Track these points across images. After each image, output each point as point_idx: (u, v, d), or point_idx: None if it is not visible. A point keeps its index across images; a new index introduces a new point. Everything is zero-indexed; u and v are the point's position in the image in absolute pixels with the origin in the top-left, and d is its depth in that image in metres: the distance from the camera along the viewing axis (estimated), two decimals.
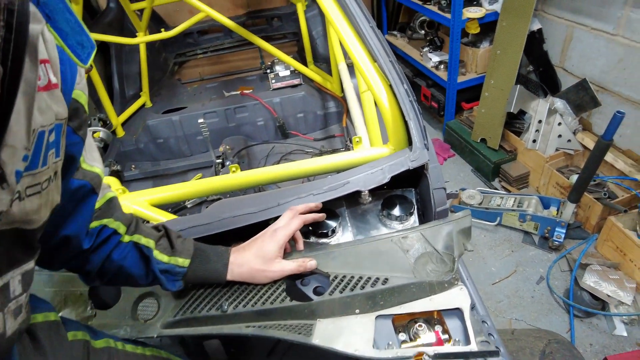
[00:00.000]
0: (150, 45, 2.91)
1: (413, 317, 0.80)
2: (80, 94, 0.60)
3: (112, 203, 0.78)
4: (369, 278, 0.80)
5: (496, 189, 2.62)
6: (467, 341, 0.73)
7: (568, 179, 2.25)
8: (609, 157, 2.23)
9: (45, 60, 0.49)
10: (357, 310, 0.78)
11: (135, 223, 0.80)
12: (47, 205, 0.53)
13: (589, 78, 2.33)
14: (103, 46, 2.77)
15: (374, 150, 1.18)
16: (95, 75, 2.39)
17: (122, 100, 2.80)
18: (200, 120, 2.05)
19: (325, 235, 0.95)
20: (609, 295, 1.83)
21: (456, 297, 0.80)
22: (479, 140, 2.74)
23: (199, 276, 0.80)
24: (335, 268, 0.84)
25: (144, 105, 2.78)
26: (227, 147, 2.43)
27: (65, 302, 0.92)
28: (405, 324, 0.80)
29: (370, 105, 1.38)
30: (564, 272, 2.07)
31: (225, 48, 3.39)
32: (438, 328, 0.78)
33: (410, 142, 1.10)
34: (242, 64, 3.60)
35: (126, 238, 0.77)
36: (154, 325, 0.84)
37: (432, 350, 0.71)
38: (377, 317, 0.78)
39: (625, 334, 1.80)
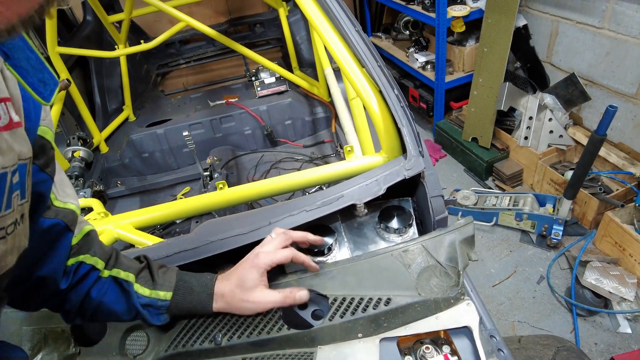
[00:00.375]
0: (131, 58, 2.84)
1: (419, 338, 0.75)
2: (46, 131, 0.58)
3: (90, 237, 0.74)
4: (371, 299, 0.75)
5: (490, 188, 2.59)
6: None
7: (563, 175, 2.23)
8: (602, 151, 2.21)
9: (5, 99, 0.47)
10: (360, 335, 0.73)
11: (115, 256, 0.76)
12: (12, 251, 0.50)
13: (577, 72, 2.32)
14: (82, 61, 2.69)
15: (366, 159, 1.13)
16: (75, 91, 2.31)
17: (105, 115, 2.72)
18: (185, 133, 1.98)
19: (322, 254, 0.90)
20: (610, 292, 1.80)
21: (463, 314, 0.75)
22: (470, 140, 2.71)
23: (183, 308, 0.75)
24: (334, 289, 0.79)
25: (127, 119, 2.71)
26: (215, 158, 2.37)
27: (46, 340, 0.86)
28: (411, 346, 0.75)
29: (360, 112, 1.33)
30: (564, 270, 2.04)
31: (208, 57, 3.32)
32: (446, 349, 0.73)
33: (404, 150, 1.05)
34: (227, 72, 3.55)
35: (105, 273, 0.74)
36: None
37: None
38: (381, 340, 0.73)
39: (629, 331, 1.78)
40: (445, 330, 0.74)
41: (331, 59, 2.18)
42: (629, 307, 1.79)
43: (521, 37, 2.51)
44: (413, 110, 2.93)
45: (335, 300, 0.76)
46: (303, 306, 0.77)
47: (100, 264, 0.73)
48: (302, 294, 0.74)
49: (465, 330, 0.74)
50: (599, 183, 2.16)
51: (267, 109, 2.52)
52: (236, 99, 2.67)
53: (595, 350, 1.75)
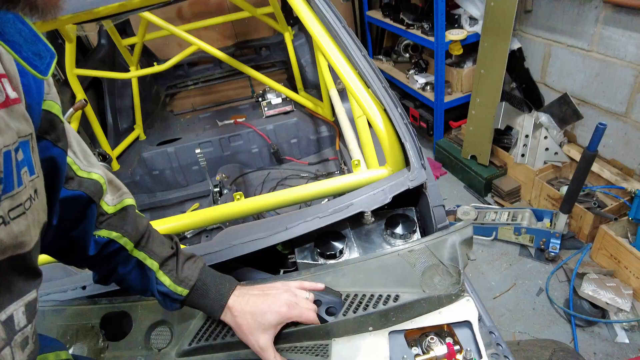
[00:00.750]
0: (142, 79, 2.96)
1: (424, 332, 0.82)
2: (52, 104, 0.57)
3: (127, 212, 0.77)
4: (380, 296, 0.83)
5: (489, 204, 2.67)
6: (478, 351, 0.76)
7: (558, 190, 2.31)
8: (595, 167, 2.31)
9: (2, 76, 0.46)
10: (371, 328, 0.80)
11: (147, 237, 0.79)
12: (34, 225, 0.51)
13: (570, 92, 2.43)
14: (96, 82, 2.81)
15: (373, 172, 1.21)
16: (90, 111, 2.43)
17: (116, 134, 2.83)
18: (198, 151, 2.08)
19: (333, 257, 0.98)
20: (607, 303, 1.86)
21: (464, 309, 0.83)
22: (469, 157, 2.81)
23: (195, 306, 0.81)
24: (346, 286, 0.86)
25: (138, 137, 2.81)
26: (224, 175, 2.46)
27: (77, 336, 0.93)
28: (417, 338, 0.82)
29: (365, 129, 1.43)
30: (562, 283, 2.10)
31: (215, 78, 3.45)
32: (449, 340, 0.80)
33: (407, 163, 1.14)
34: (233, 93, 3.67)
35: (134, 253, 0.77)
36: (168, 354, 0.84)
37: None
38: (390, 332, 0.80)
39: (627, 340, 1.83)
40: (448, 324, 0.82)
41: (335, 81, 2.30)
42: (626, 317, 1.85)
43: (516, 59, 2.64)
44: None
45: (348, 296, 0.83)
46: (318, 303, 0.84)
47: (129, 245, 0.76)
48: None
49: (467, 324, 0.82)
50: (594, 198, 2.25)
51: (274, 128, 2.63)
52: (243, 118, 2.78)
53: (594, 359, 1.79)
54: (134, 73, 2.67)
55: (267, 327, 0.76)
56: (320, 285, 0.85)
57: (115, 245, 0.75)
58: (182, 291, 0.77)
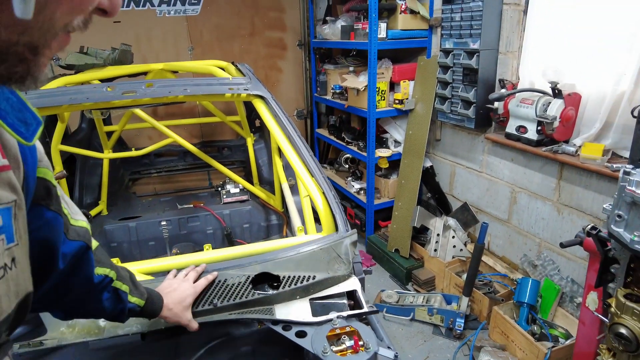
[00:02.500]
0: (112, 162, 3.29)
1: (338, 336, 1.19)
2: (46, 171, 0.60)
3: (100, 250, 0.88)
4: (304, 276, 1.25)
5: (409, 290, 3.10)
6: (361, 306, 1.21)
7: (463, 279, 2.81)
8: (490, 261, 2.87)
9: None
10: (298, 297, 1.22)
11: (115, 267, 0.91)
12: (7, 295, 0.49)
13: (470, 202, 3.10)
14: (70, 159, 3.12)
15: (312, 236, 1.63)
16: (63, 183, 2.69)
17: (80, 207, 3.04)
18: (163, 223, 2.39)
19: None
20: None
21: (352, 283, 1.30)
22: (393, 250, 3.31)
23: (145, 312, 0.99)
24: (282, 271, 1.27)
25: (100, 212, 3.05)
26: (177, 251, 2.72)
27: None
28: (334, 339, 1.18)
29: (308, 207, 1.88)
30: (466, 356, 2.47)
31: (178, 169, 3.86)
32: (355, 337, 1.18)
33: (337, 229, 1.58)
34: (192, 184, 4.06)
35: (115, 283, 0.89)
36: (159, 320, 1.10)
37: (345, 313, 1.16)
38: (310, 299, 1.23)
39: None
40: (353, 327, 1.20)
41: (287, 178, 2.80)
42: None
43: (429, 175, 3.34)
44: (349, 225, 3.54)
45: (284, 277, 1.24)
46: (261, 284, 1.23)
47: (115, 276, 0.88)
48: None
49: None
50: (491, 288, 2.76)
51: (230, 213, 3.01)
52: (202, 203, 3.15)
53: None
54: (111, 155, 3.04)
55: (188, 306, 1.08)
56: (202, 266, 1.22)
57: (107, 279, 0.86)
58: (140, 302, 0.96)
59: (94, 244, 0.83)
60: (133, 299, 0.94)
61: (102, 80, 2.67)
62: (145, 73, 2.90)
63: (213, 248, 2.97)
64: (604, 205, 1.48)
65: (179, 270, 1.23)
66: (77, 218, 0.74)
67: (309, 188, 1.69)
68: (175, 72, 2.92)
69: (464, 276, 2.84)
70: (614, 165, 2.06)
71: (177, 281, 1.13)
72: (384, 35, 3.08)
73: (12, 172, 0.50)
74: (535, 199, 2.62)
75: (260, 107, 2.01)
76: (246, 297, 1.18)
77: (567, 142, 2.40)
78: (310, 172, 1.73)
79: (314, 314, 1.18)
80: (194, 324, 1.08)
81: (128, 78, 2.94)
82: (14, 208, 0.50)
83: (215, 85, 2.01)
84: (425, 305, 2.70)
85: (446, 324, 2.64)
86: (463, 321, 2.56)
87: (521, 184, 2.70)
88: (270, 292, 1.21)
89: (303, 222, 2.17)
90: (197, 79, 2.04)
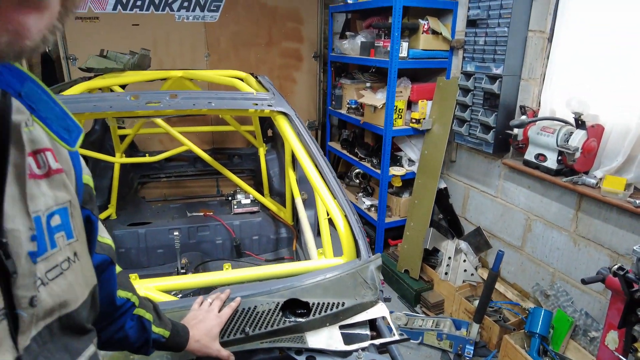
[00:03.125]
0: (122, 165, 3.28)
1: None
2: (89, 179, 0.65)
3: (124, 274, 0.88)
4: (333, 303, 1.22)
5: (418, 312, 3.06)
6: (390, 329, 1.20)
7: (473, 304, 2.77)
8: (501, 288, 2.83)
9: (45, 149, 0.53)
10: (327, 324, 1.19)
11: (137, 295, 0.91)
12: (78, 284, 0.55)
13: (483, 226, 3.07)
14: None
15: (332, 260, 1.60)
16: None
17: None
18: (176, 234, 2.37)
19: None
20: None
21: (380, 310, 1.28)
22: (403, 271, 3.27)
23: (170, 345, 0.96)
24: (310, 298, 1.23)
25: (109, 216, 3.03)
26: (186, 261, 2.69)
27: None
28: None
29: (327, 229, 1.85)
30: None
31: (187, 175, 3.84)
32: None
33: (358, 255, 1.55)
34: (200, 190, 4.03)
35: (138, 310, 0.88)
36: (188, 354, 1.07)
37: (377, 342, 1.14)
38: (340, 326, 1.20)
39: None
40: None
41: (300, 191, 2.77)
42: None
43: (443, 196, 3.31)
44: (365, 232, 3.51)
45: (313, 304, 1.21)
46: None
47: (137, 302, 0.87)
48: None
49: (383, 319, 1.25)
50: (501, 315, 2.71)
51: (240, 224, 2.98)
52: (212, 212, 3.12)
53: None
54: (124, 159, 3.02)
55: (216, 336, 1.06)
56: (226, 293, 1.18)
57: (129, 303, 0.85)
58: (165, 333, 0.93)
59: (117, 268, 0.82)
60: (157, 330, 0.92)
61: (121, 86, 2.67)
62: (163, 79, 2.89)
63: (221, 259, 2.98)
64: (635, 247, 1.45)
65: (192, 291, 1.20)
66: (104, 235, 0.76)
67: (331, 210, 1.66)
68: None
69: (474, 301, 2.80)
70: (637, 201, 2.03)
71: (202, 312, 1.10)
72: (405, 55, 3.07)
73: (65, 175, 0.56)
74: (551, 228, 2.58)
75: (282, 123, 1.99)
76: (277, 325, 1.15)
77: (587, 173, 2.37)
78: (332, 194, 1.70)
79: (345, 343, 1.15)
80: (225, 352, 1.05)
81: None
82: (70, 207, 0.55)
83: (239, 99, 1.99)
84: (434, 330, 2.65)
85: (455, 349, 2.60)
86: (473, 348, 2.52)
87: (537, 212, 2.67)
88: (302, 319, 1.18)
89: (312, 233, 2.15)
90: (221, 93, 2.03)
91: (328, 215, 1.74)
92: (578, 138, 2.28)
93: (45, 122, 0.50)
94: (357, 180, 4.06)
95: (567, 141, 2.32)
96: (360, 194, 3.81)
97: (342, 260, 1.59)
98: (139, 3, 4.05)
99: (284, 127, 1.97)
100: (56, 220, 0.52)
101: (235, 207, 3.08)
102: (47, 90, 0.52)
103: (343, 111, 3.93)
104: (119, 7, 3.91)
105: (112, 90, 2.57)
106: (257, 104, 1.98)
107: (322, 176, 1.74)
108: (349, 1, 3.60)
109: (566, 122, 2.39)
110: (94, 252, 0.70)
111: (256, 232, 3.00)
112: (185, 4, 4.19)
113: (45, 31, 0.42)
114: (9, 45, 0.40)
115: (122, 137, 3.18)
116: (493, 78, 2.68)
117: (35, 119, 0.50)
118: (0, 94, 0.47)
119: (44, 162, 0.52)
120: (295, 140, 1.88)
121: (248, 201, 3.13)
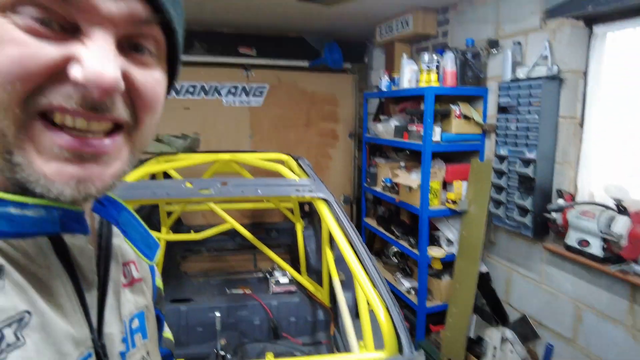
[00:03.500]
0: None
1: None
2: (160, 282, 0.77)
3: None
4: None
5: None
6: None
7: None
8: None
9: (131, 262, 0.64)
10: None
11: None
12: None
13: (528, 314, 2.91)
14: None
15: (372, 354, 1.58)
16: None
17: None
18: (218, 315, 2.41)
19: None
20: None
21: None
22: None
23: None
24: None
25: None
26: (225, 342, 2.69)
27: None
28: None
29: (367, 320, 1.83)
30: None
31: (227, 249, 3.96)
32: None
33: (400, 351, 1.53)
34: (237, 264, 4.11)
35: None
36: None
37: None
38: None
39: None
40: None
41: (338, 272, 2.78)
42: None
43: (484, 280, 3.20)
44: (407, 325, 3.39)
45: None
46: None
47: None
48: None
49: None
50: None
51: (278, 305, 2.98)
52: (249, 290, 3.16)
53: None
54: (169, 236, 3.18)
55: None
56: None
57: None
58: None
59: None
60: None
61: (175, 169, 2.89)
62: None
63: (259, 340, 2.95)
64: None
65: None
66: (167, 330, 0.86)
67: (372, 302, 1.67)
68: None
69: None
70: None
71: None
72: (439, 139, 3.18)
73: (144, 283, 0.66)
74: (605, 320, 2.43)
75: (322, 208, 2.08)
76: None
77: (636, 261, 2.28)
78: (373, 284, 1.72)
79: None
80: None
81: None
82: (146, 311, 0.64)
83: (283, 186, 2.12)
84: None
85: None
86: None
87: (586, 301, 2.53)
88: None
89: (351, 319, 2.12)
90: (267, 180, 2.17)
91: (368, 304, 1.75)
92: (621, 224, 2.22)
93: (134, 243, 0.59)
94: (395, 259, 4.02)
95: (610, 227, 2.26)
96: (399, 275, 3.75)
97: (384, 355, 1.57)
98: (191, 89, 4.50)
99: (323, 211, 2.06)
100: (135, 323, 0.61)
101: (274, 286, 3.11)
102: (135, 216, 0.61)
103: (378, 189, 4.02)
104: (173, 93, 4.32)
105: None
106: (299, 190, 2.10)
107: (362, 263, 1.78)
108: (383, 89, 3.84)
109: (607, 207, 2.35)
110: (160, 347, 0.76)
111: (293, 314, 2.99)
112: (233, 90, 4.61)
113: (115, 179, 0.47)
114: (78, 193, 0.44)
115: (169, 213, 3.37)
116: (527, 162, 2.71)
117: (126, 240, 0.60)
118: (106, 223, 0.59)
119: (129, 273, 0.63)
120: (334, 225, 1.96)
121: (286, 280, 3.16)
